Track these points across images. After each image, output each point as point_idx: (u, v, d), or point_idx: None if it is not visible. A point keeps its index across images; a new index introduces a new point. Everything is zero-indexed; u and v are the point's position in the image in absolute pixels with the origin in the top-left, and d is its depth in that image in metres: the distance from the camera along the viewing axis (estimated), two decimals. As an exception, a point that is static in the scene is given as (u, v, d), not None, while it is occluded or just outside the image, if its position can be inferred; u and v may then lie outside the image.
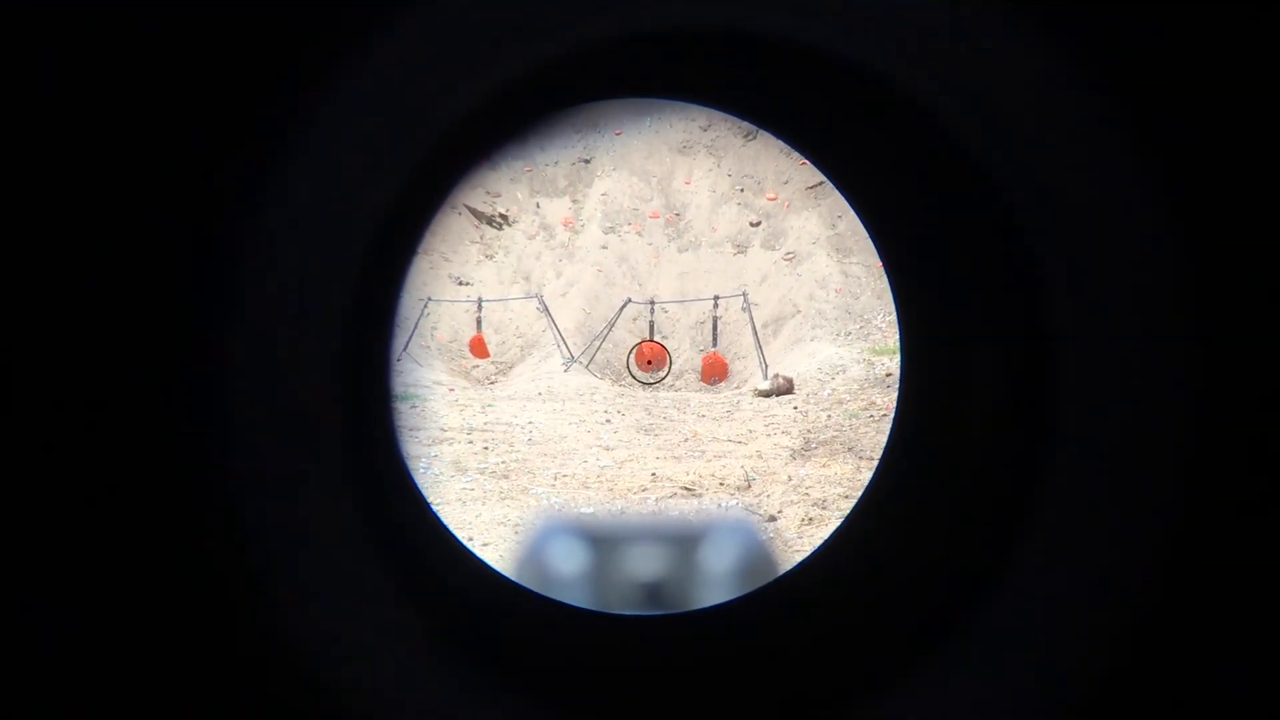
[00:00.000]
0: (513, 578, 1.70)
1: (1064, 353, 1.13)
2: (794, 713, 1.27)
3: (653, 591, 1.72)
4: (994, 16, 1.09)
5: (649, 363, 15.13)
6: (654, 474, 11.29)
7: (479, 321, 14.92)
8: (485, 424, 12.60)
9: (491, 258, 16.11)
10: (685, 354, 15.53)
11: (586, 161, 17.39)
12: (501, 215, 16.38)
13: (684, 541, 1.77)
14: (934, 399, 1.60)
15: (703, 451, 12.07)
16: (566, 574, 1.75)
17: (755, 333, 15.24)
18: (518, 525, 8.94)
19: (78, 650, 1.08)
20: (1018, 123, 1.11)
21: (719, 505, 10.76)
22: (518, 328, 15.47)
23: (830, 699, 1.24)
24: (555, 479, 11.23)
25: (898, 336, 1.78)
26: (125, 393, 1.05)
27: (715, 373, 15.03)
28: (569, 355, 15.11)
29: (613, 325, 15.39)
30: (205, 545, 1.07)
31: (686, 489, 10.89)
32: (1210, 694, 1.13)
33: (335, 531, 1.11)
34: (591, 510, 10.41)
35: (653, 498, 10.67)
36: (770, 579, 1.71)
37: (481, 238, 16.22)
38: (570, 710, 1.28)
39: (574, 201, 17.15)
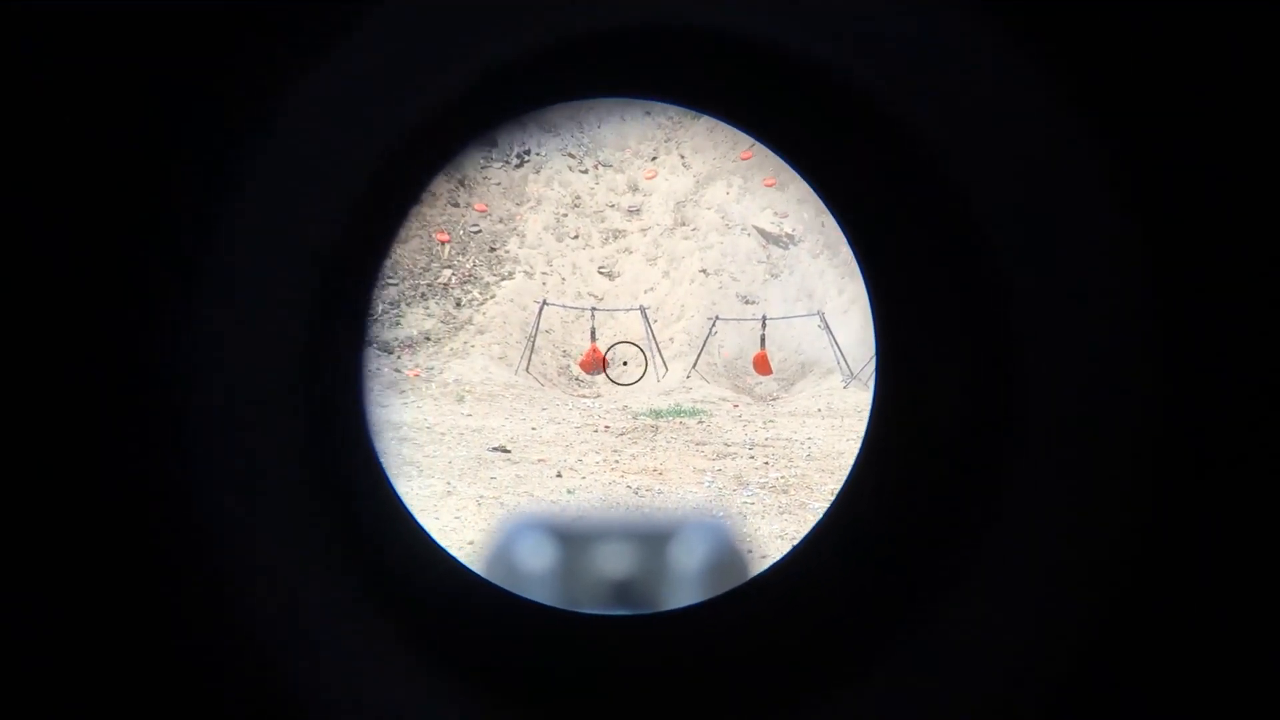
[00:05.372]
0: (482, 574, 1.65)
1: (1030, 355, 1.14)
2: (762, 712, 1.27)
3: (622, 590, 1.70)
4: (965, 23, 1.09)
5: None
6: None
7: (763, 339, 15.16)
8: (766, 439, 12.78)
9: (777, 276, 16.32)
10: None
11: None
12: (788, 234, 16.58)
13: (654, 540, 1.73)
14: (905, 402, 1.60)
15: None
16: (535, 571, 1.71)
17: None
18: (793, 539, 9.06)
19: (38, 654, 1.04)
20: (986, 127, 1.11)
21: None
22: (799, 345, 15.60)
23: (798, 698, 1.25)
24: (832, 494, 11.26)
25: (872, 339, 1.76)
26: (84, 389, 1.02)
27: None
28: (848, 372, 15.15)
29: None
30: (164, 544, 1.05)
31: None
32: (1174, 685, 1.13)
33: (299, 528, 1.11)
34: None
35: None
36: (741, 581, 1.69)
37: (768, 257, 16.48)
38: (540, 710, 1.28)
39: (861, 219, 17.05)
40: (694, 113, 1.74)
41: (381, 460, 1.51)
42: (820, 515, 1.69)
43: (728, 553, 1.78)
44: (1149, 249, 1.08)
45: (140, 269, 1.03)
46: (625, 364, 15.19)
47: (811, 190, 1.70)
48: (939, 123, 1.14)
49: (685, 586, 1.74)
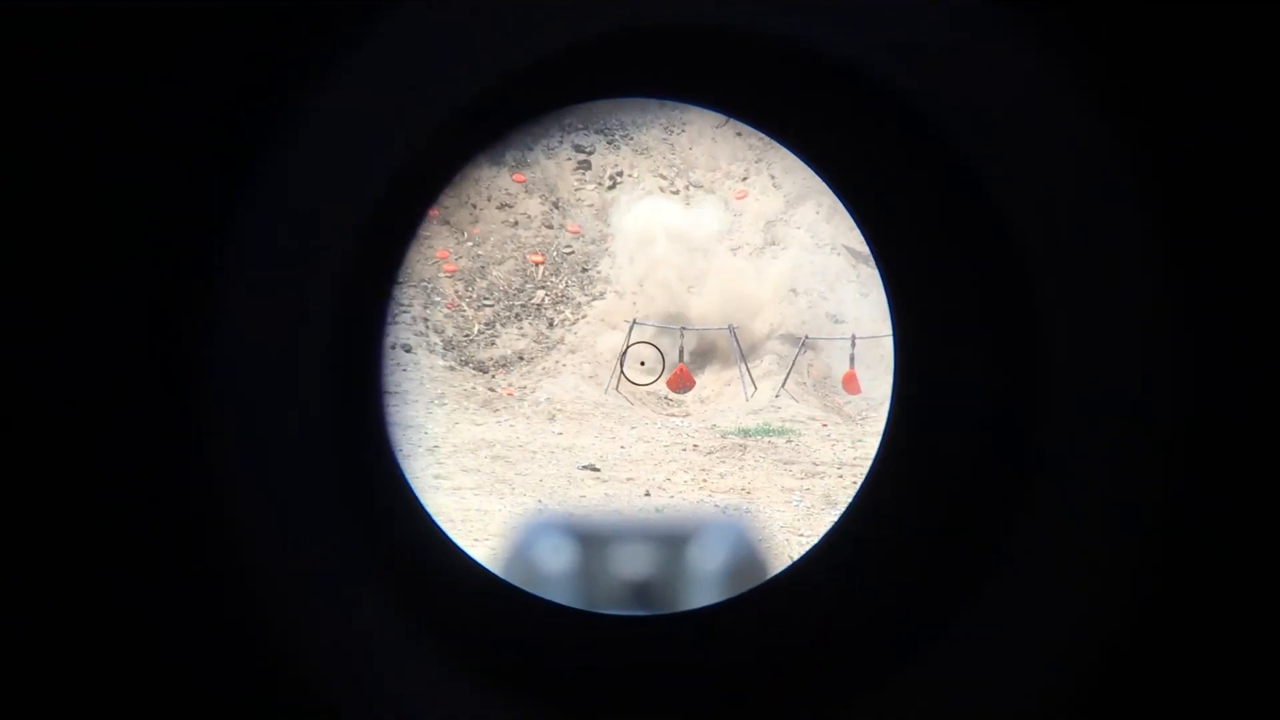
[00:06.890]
0: (502, 575, 1.62)
1: (1054, 352, 1.12)
2: (784, 712, 1.25)
3: (641, 591, 1.67)
4: (986, 20, 1.07)
5: None
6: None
7: (852, 358, 15.07)
8: (855, 459, 12.71)
9: (866, 295, 16.22)
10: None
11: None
12: (878, 254, 16.45)
13: (672, 541, 1.70)
14: (927, 401, 1.62)
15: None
16: (554, 572, 1.67)
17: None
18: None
19: (68, 647, 1.03)
20: (1009, 125, 1.09)
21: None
22: (889, 364, 15.45)
23: (820, 699, 1.23)
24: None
25: (891, 337, 1.78)
26: (109, 393, 1.00)
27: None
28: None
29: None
30: (192, 543, 1.03)
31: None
32: (1198, 690, 1.10)
33: (320, 530, 1.10)
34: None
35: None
36: (759, 581, 1.68)
37: (858, 276, 16.41)
38: (558, 709, 1.26)
39: (953, 238, 16.90)
40: (708, 110, 1.74)
41: (401, 462, 1.50)
42: (839, 515, 1.72)
43: (746, 553, 1.80)
44: (1174, 247, 1.07)
45: (161, 274, 1.01)
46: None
47: (828, 187, 1.73)
48: (963, 121, 1.13)
49: (703, 587, 1.74)
